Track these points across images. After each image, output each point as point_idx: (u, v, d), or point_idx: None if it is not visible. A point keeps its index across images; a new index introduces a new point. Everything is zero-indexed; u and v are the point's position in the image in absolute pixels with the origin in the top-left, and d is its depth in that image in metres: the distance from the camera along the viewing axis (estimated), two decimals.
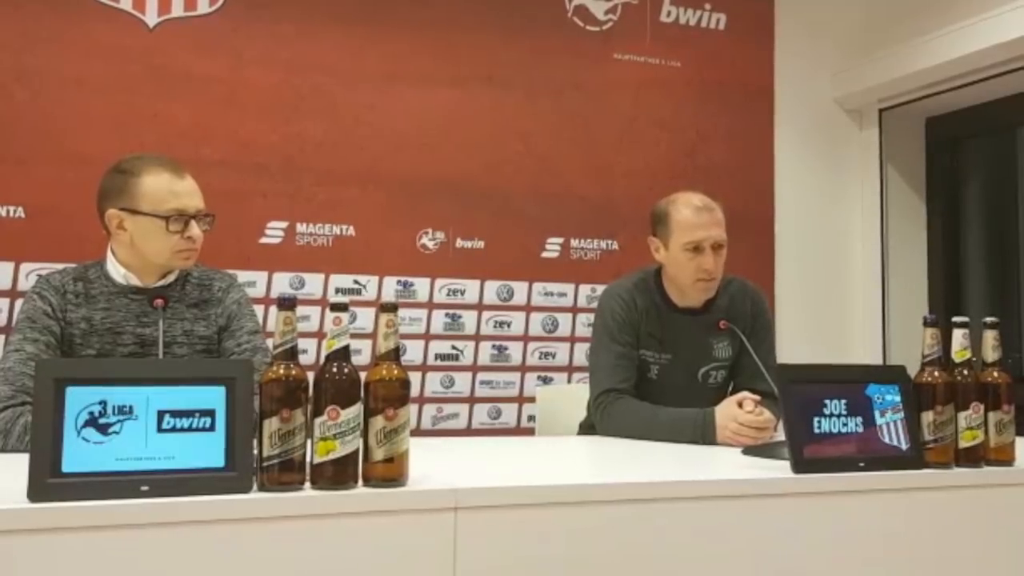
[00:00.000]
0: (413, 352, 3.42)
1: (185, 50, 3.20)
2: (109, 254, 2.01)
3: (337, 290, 3.33)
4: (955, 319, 1.70)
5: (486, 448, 2.21)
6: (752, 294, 2.45)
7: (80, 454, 1.19)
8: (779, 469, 1.60)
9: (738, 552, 1.47)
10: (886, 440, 1.62)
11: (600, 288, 2.63)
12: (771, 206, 3.96)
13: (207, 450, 1.24)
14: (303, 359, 1.32)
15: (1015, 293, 3.77)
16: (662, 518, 1.43)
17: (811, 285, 4.00)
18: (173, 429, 1.23)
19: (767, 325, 2.46)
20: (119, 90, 3.12)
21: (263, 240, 3.27)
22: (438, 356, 3.47)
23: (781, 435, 1.80)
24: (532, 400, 3.21)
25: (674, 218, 2.31)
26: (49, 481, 1.16)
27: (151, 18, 3.18)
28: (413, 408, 3.23)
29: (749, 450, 1.91)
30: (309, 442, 1.29)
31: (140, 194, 1.94)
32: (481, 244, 3.54)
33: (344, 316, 1.32)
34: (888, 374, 1.69)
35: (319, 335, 3.15)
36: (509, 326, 3.56)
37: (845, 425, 1.60)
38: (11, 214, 3.00)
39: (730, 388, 2.41)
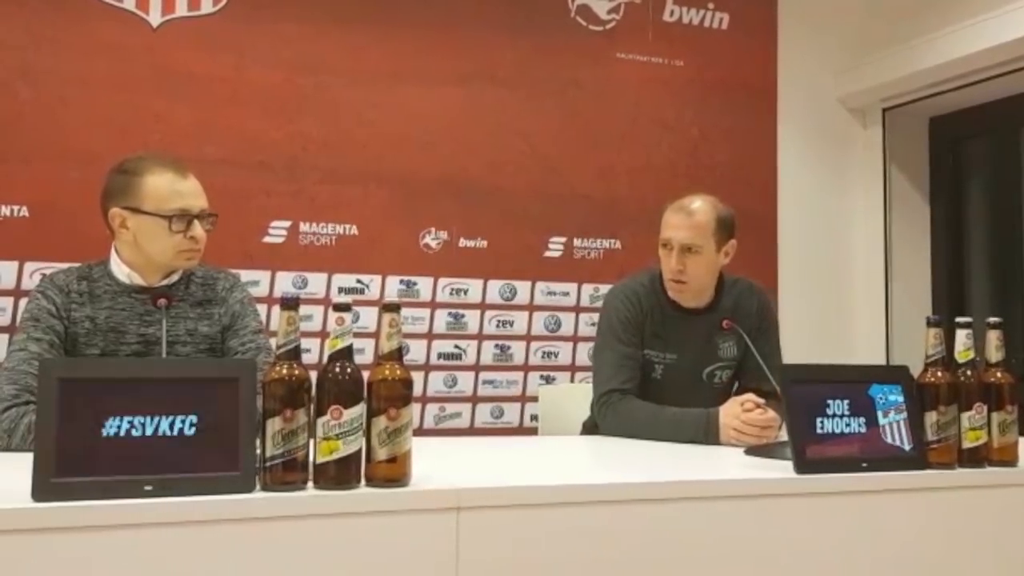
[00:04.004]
0: (416, 352, 3.42)
1: (188, 49, 3.21)
2: (113, 253, 2.01)
3: (340, 289, 3.33)
4: (958, 319, 1.70)
5: (489, 448, 2.21)
6: (758, 295, 2.46)
7: (84, 454, 1.19)
8: (781, 469, 1.60)
9: (740, 552, 1.47)
10: (889, 440, 1.62)
11: (603, 287, 2.63)
12: (774, 205, 3.96)
13: (210, 450, 1.24)
14: (306, 359, 1.33)
15: (1019, 293, 3.76)
16: (665, 518, 1.44)
17: (814, 285, 4.00)
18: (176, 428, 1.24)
19: (772, 326, 2.47)
20: (123, 89, 3.13)
21: (266, 239, 3.28)
22: (441, 355, 3.47)
23: (784, 435, 1.80)
24: (535, 399, 3.20)
25: (662, 217, 2.36)
26: (53, 481, 1.16)
27: (155, 18, 3.18)
28: (416, 408, 3.24)
29: (752, 450, 1.91)
30: (312, 442, 1.29)
31: (143, 194, 1.94)
32: (484, 243, 3.54)
33: (347, 316, 1.32)
34: (891, 374, 1.69)
35: (322, 335, 3.15)
36: (512, 325, 3.56)
37: (848, 425, 1.60)
38: (15, 213, 3.00)
39: (735, 388, 2.41)
